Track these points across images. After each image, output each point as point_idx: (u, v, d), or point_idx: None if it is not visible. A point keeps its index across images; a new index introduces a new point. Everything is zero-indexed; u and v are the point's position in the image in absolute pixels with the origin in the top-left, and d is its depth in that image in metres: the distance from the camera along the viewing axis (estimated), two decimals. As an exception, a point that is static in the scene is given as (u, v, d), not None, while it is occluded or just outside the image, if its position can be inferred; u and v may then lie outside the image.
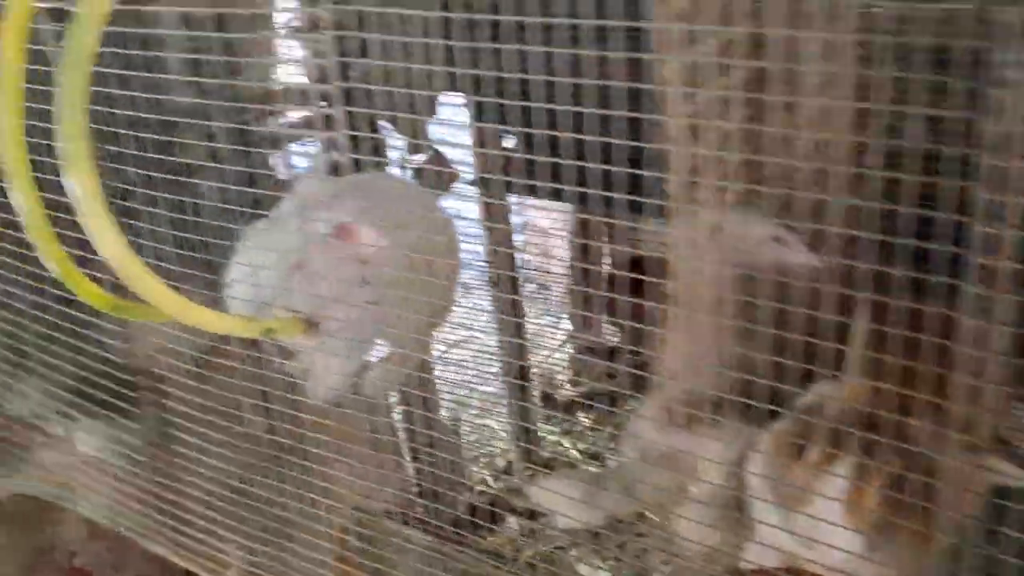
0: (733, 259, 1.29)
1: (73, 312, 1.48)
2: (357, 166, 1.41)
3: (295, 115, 1.92)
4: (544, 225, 3.15)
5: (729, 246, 1.31)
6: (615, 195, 1.18)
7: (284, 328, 1.22)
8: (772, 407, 1.14)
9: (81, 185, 0.93)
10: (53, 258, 1.12)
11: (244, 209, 1.40)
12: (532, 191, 1.90)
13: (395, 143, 1.92)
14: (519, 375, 2.38)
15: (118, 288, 1.13)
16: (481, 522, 1.59)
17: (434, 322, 1.72)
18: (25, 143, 1.06)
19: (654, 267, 1.22)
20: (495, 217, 2.09)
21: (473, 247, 2.00)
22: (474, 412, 2.71)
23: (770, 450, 1.15)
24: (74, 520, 1.98)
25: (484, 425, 2.71)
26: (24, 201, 1.08)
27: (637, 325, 1.31)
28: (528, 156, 1.23)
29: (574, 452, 2.62)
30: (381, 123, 1.73)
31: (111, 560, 2.02)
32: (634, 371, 1.33)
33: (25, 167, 1.07)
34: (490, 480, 2.56)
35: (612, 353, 2.66)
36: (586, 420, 2.71)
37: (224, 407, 1.41)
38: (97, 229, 0.95)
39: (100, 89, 1.07)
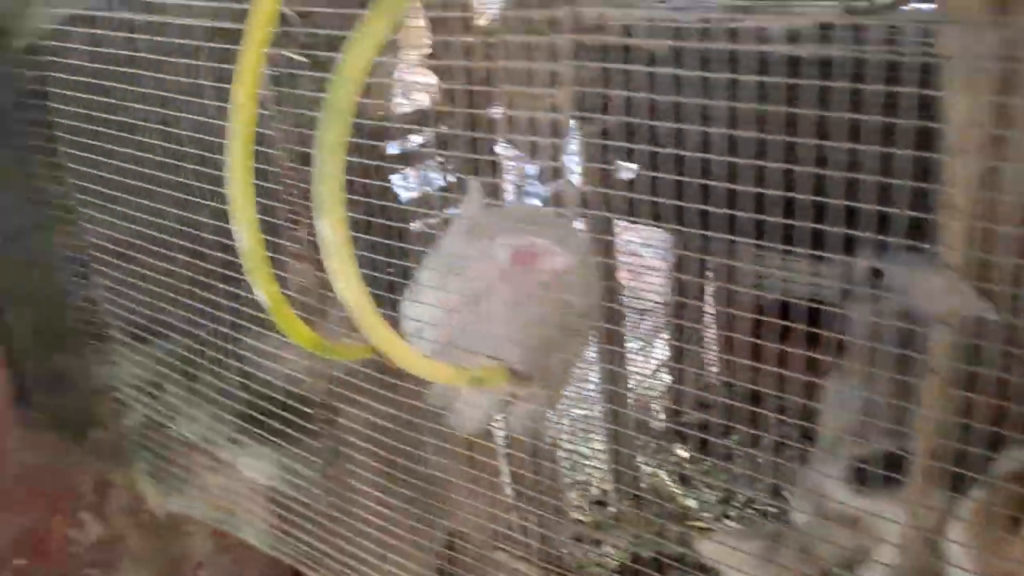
0: (900, 307, 1.27)
1: (247, 339, 1.52)
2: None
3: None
4: (639, 250, 3.14)
5: (894, 293, 1.29)
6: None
7: (490, 377, 1.23)
8: (960, 470, 1.11)
9: (332, 228, 0.96)
10: (269, 298, 1.15)
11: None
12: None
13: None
14: (618, 403, 2.37)
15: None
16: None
17: (577, 360, 1.72)
18: (253, 185, 1.09)
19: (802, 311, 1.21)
20: (605, 246, 2.08)
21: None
22: (567, 439, 2.70)
23: (974, 519, 1.13)
24: (203, 533, 2.02)
25: (576, 451, 2.70)
26: (247, 241, 1.11)
27: (807, 377, 1.29)
28: (706, 208, 1.22)
29: (671, 484, 2.60)
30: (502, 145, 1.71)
31: (236, 573, 2.06)
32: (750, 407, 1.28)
33: (252, 208, 1.10)
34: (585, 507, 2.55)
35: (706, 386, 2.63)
36: (684, 452, 2.69)
37: (400, 443, 1.43)
38: (341, 273, 0.98)
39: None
